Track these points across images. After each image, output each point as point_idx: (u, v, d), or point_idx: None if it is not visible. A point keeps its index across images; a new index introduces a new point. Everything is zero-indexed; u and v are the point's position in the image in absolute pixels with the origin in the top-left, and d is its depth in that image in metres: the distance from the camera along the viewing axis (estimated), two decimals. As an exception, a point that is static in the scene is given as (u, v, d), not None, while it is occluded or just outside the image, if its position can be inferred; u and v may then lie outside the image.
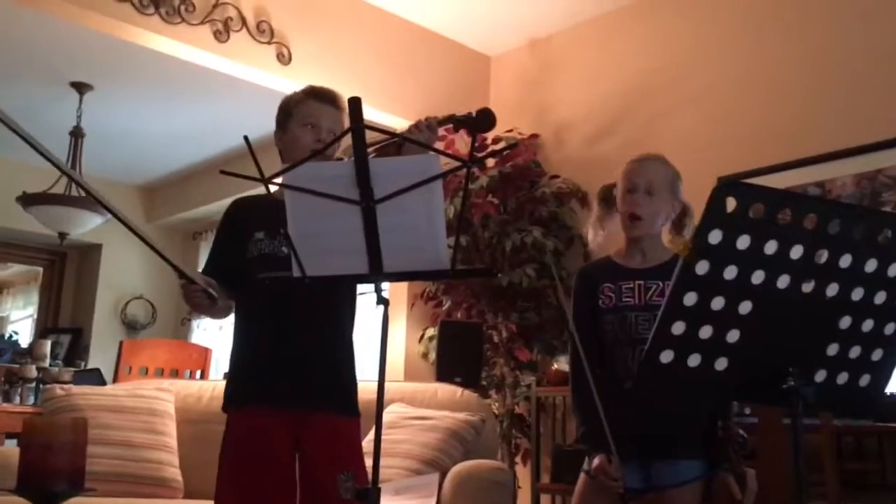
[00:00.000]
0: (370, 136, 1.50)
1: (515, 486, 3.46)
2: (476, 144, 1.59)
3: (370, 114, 4.12)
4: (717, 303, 1.34)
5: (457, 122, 1.97)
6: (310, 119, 2.07)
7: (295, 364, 1.99)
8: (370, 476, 1.43)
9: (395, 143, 1.92)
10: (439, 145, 2.11)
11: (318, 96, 2.10)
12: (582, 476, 2.18)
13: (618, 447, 1.94)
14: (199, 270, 2.05)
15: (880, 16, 3.48)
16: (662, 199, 2.14)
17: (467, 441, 2.83)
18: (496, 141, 4.37)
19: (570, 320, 2.17)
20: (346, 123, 2.11)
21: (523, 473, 3.99)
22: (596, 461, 2.08)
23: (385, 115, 4.35)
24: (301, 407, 1.97)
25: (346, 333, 2.10)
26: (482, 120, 1.96)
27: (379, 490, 1.41)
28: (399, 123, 4.35)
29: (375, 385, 1.50)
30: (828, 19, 3.63)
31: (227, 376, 2.11)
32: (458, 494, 2.57)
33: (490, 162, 4.31)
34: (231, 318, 2.13)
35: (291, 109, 2.12)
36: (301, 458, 1.98)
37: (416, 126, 1.99)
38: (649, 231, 2.16)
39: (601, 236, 2.28)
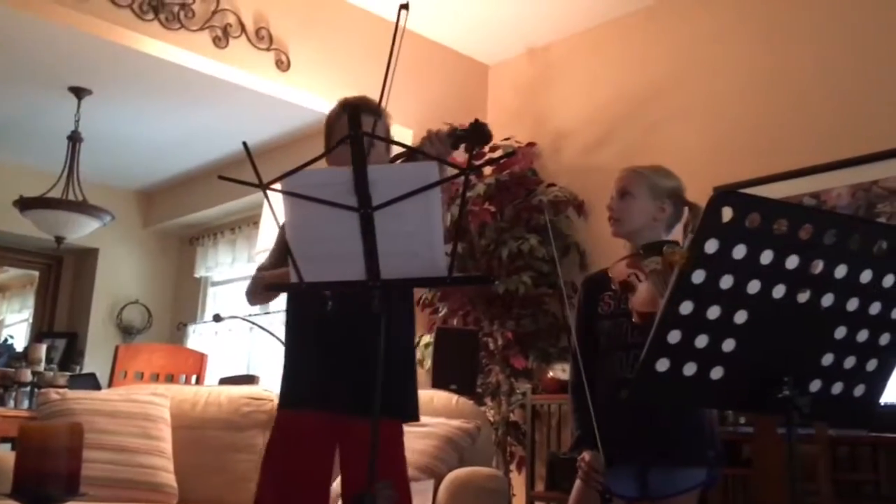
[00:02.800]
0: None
1: (510, 494, 3.46)
2: (474, 152, 1.60)
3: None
4: (713, 312, 1.34)
5: (457, 139, 1.97)
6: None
7: (343, 372, 2.03)
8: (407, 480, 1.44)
9: (410, 156, 1.96)
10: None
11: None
12: (577, 483, 2.19)
13: (614, 452, 1.95)
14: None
15: (876, 28, 3.49)
16: (638, 200, 2.20)
17: (462, 448, 2.83)
18: (494, 149, 4.38)
19: (573, 327, 2.23)
20: (387, 127, 2.14)
21: (518, 481, 3.98)
22: (586, 456, 2.12)
23: (383, 122, 4.35)
24: (346, 412, 2.02)
25: (400, 340, 2.10)
26: (478, 134, 1.96)
27: (375, 496, 1.41)
28: (396, 131, 4.34)
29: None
30: (824, 31, 3.65)
31: (282, 378, 2.18)
32: (454, 501, 2.57)
33: (487, 170, 4.31)
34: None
35: (332, 127, 2.17)
36: (342, 459, 2.08)
37: (429, 139, 1.98)
38: (628, 230, 2.21)
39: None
